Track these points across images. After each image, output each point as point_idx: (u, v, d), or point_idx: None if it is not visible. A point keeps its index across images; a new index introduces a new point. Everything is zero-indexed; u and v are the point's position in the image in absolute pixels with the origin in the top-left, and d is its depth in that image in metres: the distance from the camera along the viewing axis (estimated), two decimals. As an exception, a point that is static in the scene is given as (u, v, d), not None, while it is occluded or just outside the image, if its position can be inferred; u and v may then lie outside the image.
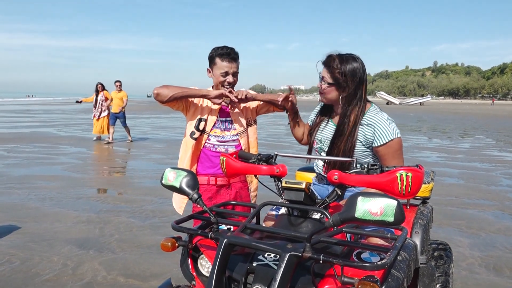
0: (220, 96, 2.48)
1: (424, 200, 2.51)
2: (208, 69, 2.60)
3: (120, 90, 11.88)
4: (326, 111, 2.16)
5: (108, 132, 12.12)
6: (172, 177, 1.52)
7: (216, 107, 2.60)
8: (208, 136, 2.61)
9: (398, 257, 1.42)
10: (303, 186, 1.54)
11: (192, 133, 2.60)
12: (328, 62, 1.98)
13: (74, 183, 6.54)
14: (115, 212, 5.01)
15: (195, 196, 1.47)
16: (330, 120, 2.13)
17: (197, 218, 1.65)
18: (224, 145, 2.62)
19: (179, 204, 2.75)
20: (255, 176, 1.83)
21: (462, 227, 4.64)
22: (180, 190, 1.51)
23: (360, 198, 1.19)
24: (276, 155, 1.90)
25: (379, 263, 1.19)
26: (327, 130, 2.10)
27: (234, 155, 1.89)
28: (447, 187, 6.60)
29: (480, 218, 4.98)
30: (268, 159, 1.88)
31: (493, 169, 8.45)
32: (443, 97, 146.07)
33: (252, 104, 2.74)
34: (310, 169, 2.70)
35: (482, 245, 4.10)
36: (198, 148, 2.64)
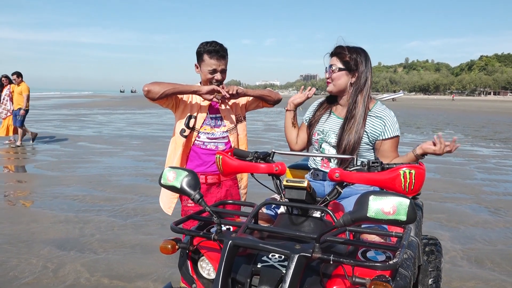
0: (211, 92, 2.44)
1: (415, 196, 2.54)
2: (195, 65, 2.55)
3: (20, 83, 9.89)
4: (327, 105, 2.18)
5: (16, 132, 10.24)
6: (172, 177, 1.46)
7: (206, 103, 2.55)
8: (198, 133, 2.56)
9: (404, 255, 1.42)
10: (305, 184, 1.51)
11: (182, 131, 2.54)
12: (338, 50, 2.03)
13: (50, 182, 6.32)
14: (95, 211, 4.86)
15: (197, 196, 1.42)
16: (332, 113, 2.14)
17: (196, 218, 1.60)
18: (214, 142, 2.58)
19: (168, 204, 2.68)
20: (252, 174, 1.79)
21: (442, 220, 4.75)
22: (180, 191, 1.45)
23: (372, 197, 1.17)
24: (274, 152, 1.87)
25: (391, 262, 1.17)
26: (330, 122, 2.10)
27: (229, 153, 1.84)
28: (425, 181, 6.71)
29: (459, 212, 5.11)
30: (266, 157, 1.84)
31: (467, 163, 8.70)
32: (414, 92, 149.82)
33: (242, 100, 2.70)
34: (300, 166, 2.68)
35: (462, 238, 4.20)
36: (188, 146, 2.58)
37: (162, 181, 1.49)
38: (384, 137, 1.98)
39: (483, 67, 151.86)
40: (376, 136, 1.99)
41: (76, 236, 4.02)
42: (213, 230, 1.53)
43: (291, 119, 2.32)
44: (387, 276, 1.19)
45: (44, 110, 26.15)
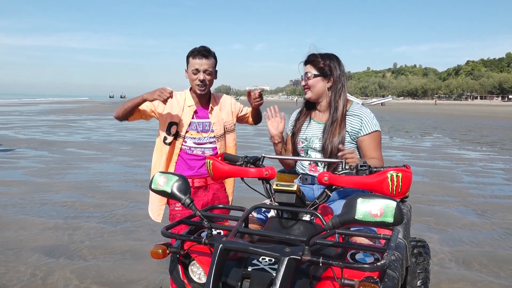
0: (159, 93, 2.35)
1: (403, 199, 2.57)
2: (185, 70, 2.58)
3: None
4: (306, 112, 2.21)
5: None
6: (162, 182, 1.47)
7: (188, 110, 2.56)
8: (184, 138, 2.56)
9: (391, 257, 1.44)
10: (295, 188, 1.53)
11: (165, 139, 2.56)
12: (311, 58, 2.09)
13: (38, 188, 6.25)
14: (84, 217, 4.83)
15: (188, 201, 1.43)
16: (311, 119, 2.17)
17: (187, 223, 1.61)
18: (201, 147, 2.58)
19: (157, 212, 2.67)
20: (242, 178, 1.80)
21: (431, 223, 4.81)
22: (171, 195, 1.46)
23: (359, 200, 1.19)
24: (264, 157, 1.89)
25: (378, 264, 1.20)
26: (311, 129, 2.14)
27: (219, 158, 1.85)
28: (414, 184, 6.71)
29: (447, 214, 5.18)
30: (256, 162, 1.86)
31: (454, 167, 8.81)
32: (402, 97, 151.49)
33: (235, 109, 2.72)
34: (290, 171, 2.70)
35: (450, 240, 4.26)
36: (172, 152, 2.58)
37: (152, 186, 1.50)
38: (362, 133, 2.02)
39: (470, 72, 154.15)
40: (355, 133, 2.03)
41: (65, 243, 3.99)
42: (203, 234, 1.54)
43: (283, 148, 2.22)
44: (375, 277, 1.21)
45: (31, 116, 25.88)
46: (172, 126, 2.53)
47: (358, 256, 1.41)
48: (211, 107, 2.60)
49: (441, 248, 4.02)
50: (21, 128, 16.78)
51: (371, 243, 1.66)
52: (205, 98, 2.61)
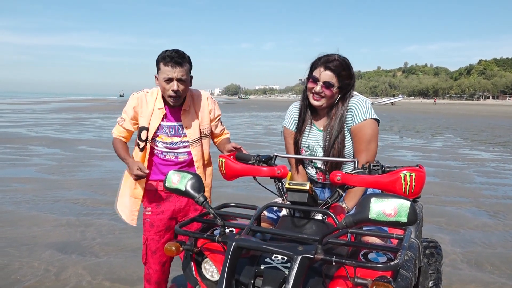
0: (138, 172, 2.23)
1: (415, 199, 2.56)
2: (155, 76, 2.30)
3: None
4: (307, 116, 2.05)
5: None
6: (176, 180, 1.49)
7: (158, 112, 2.33)
8: (155, 142, 2.37)
9: (405, 257, 1.44)
10: (307, 187, 1.54)
11: (138, 145, 2.38)
12: (337, 68, 1.88)
13: (50, 185, 6.33)
14: (96, 214, 4.88)
15: (201, 199, 1.45)
16: (313, 125, 2.05)
17: (200, 221, 1.62)
18: (174, 152, 2.38)
19: (131, 216, 2.55)
20: (254, 177, 1.81)
21: (442, 224, 4.77)
22: (185, 193, 1.48)
23: (373, 199, 1.19)
24: (276, 156, 1.89)
25: (392, 263, 1.20)
26: (313, 136, 2.04)
27: (231, 156, 1.87)
28: (425, 185, 6.73)
29: (458, 215, 5.13)
30: (268, 161, 1.86)
31: (466, 167, 8.72)
32: (413, 97, 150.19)
33: (211, 111, 2.48)
34: None
35: (462, 241, 4.22)
36: (144, 158, 2.39)
37: (166, 184, 1.52)
38: (353, 124, 1.90)
39: (482, 71, 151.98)
40: (350, 126, 1.93)
41: (78, 240, 4.04)
42: (216, 232, 1.55)
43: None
44: (388, 277, 1.21)
45: (44, 114, 26.20)
46: (143, 132, 2.32)
47: (371, 255, 1.41)
48: (184, 109, 2.35)
49: (452, 249, 3.98)
50: (33, 126, 16.99)
51: (382, 242, 1.66)
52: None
